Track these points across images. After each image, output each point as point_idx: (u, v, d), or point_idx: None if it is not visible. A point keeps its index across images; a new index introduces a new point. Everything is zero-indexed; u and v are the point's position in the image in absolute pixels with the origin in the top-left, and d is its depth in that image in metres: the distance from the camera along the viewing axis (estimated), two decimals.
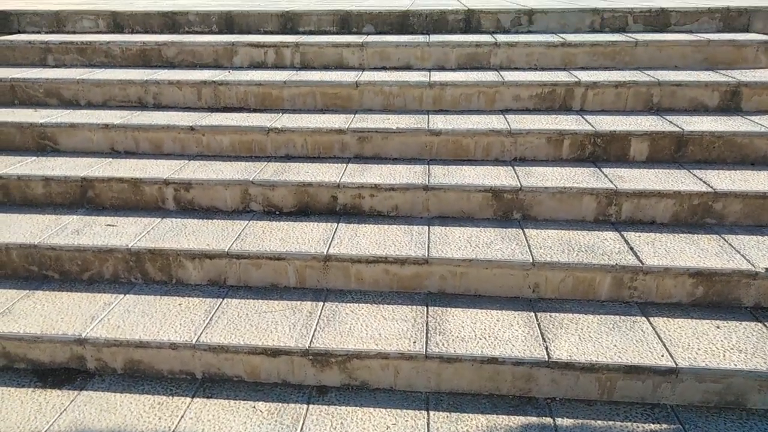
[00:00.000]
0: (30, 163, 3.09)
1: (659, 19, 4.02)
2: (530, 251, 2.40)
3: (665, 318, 2.22)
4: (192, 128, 3.19)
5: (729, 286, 2.27)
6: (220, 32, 4.36)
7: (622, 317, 2.23)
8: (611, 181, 2.72)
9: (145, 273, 2.53)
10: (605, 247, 2.43)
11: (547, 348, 2.03)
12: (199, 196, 2.87)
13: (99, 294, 2.46)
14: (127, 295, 2.44)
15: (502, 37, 3.87)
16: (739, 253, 2.37)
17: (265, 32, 4.34)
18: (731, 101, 3.28)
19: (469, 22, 4.19)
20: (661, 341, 2.06)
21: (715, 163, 2.95)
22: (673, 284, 2.29)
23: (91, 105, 3.62)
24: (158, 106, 3.58)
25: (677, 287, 2.29)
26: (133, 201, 2.91)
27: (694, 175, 2.80)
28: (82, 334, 2.16)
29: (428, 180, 2.79)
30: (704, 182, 2.69)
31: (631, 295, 2.33)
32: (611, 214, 2.68)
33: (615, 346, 2.04)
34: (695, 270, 2.26)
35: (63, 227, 2.70)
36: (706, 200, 2.61)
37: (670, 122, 3.08)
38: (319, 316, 2.26)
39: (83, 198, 2.93)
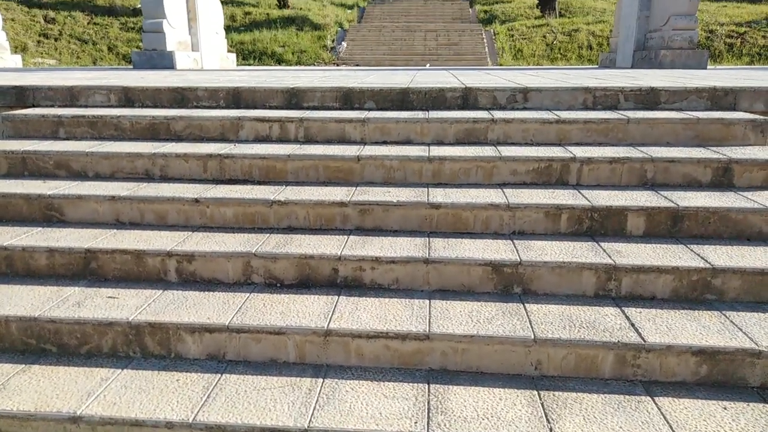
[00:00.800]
0: (35, 234, 3.12)
1: (649, 98, 4.18)
2: (531, 327, 2.40)
3: (670, 398, 2.19)
4: (197, 200, 3.25)
5: (733, 365, 2.25)
6: (227, 107, 4.52)
7: (627, 397, 2.20)
8: (609, 256, 2.75)
9: (144, 347, 2.51)
10: (606, 324, 2.43)
11: (551, 430, 1.99)
12: (202, 268, 2.89)
13: (96, 368, 2.43)
14: (125, 370, 2.41)
15: (498, 114, 4.02)
16: (741, 330, 2.36)
17: (271, 107, 4.50)
18: (723, 177, 3.37)
19: (467, 99, 4.36)
20: (668, 423, 2.02)
21: (711, 239, 2.99)
22: (676, 362, 2.27)
23: (98, 176, 3.70)
24: (164, 178, 3.67)
25: (681, 365, 2.27)
26: (136, 273, 2.92)
27: (692, 250, 2.83)
28: (77, 412, 2.11)
29: (429, 253, 2.82)
30: (702, 258, 2.72)
31: (635, 374, 2.30)
32: (611, 289, 2.70)
33: (621, 428, 2.00)
34: (698, 348, 2.25)
35: (64, 299, 2.70)
36: (705, 276, 2.63)
37: (665, 197, 3.15)
38: (319, 393, 2.23)
39: (86, 269, 2.94)
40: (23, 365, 2.45)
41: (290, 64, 18.50)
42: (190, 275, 2.90)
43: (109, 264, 2.93)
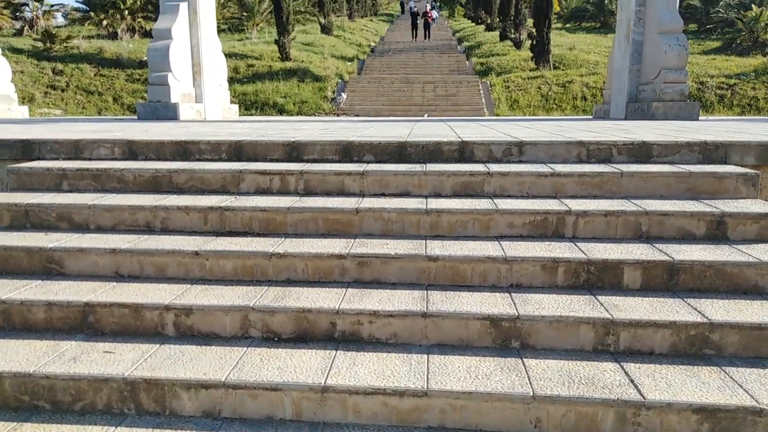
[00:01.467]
0: (34, 288, 3.13)
1: (642, 151, 4.28)
2: (530, 383, 2.38)
3: None
4: (196, 253, 3.28)
5: (735, 423, 2.22)
6: (229, 159, 4.61)
7: None
8: (607, 310, 2.76)
9: (139, 404, 2.48)
10: (606, 380, 2.41)
11: None
12: (199, 322, 2.89)
13: (90, 426, 2.39)
14: (119, 428, 2.38)
15: (494, 167, 4.10)
16: (742, 387, 2.34)
17: (272, 160, 4.58)
18: (717, 230, 3.41)
19: (463, 152, 4.45)
20: None
21: (708, 292, 3.01)
22: (677, 420, 2.25)
23: (100, 229, 3.74)
24: (165, 231, 3.71)
25: (682, 423, 2.25)
26: (133, 326, 2.92)
27: (689, 304, 2.84)
28: None
29: (426, 307, 2.83)
30: (699, 312, 2.73)
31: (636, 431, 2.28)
32: (609, 344, 2.69)
33: None
34: (698, 406, 2.23)
35: (60, 354, 2.68)
36: (703, 331, 2.63)
37: (660, 251, 3.18)
38: None
39: (83, 323, 2.94)
40: (15, 423, 2.42)
41: (291, 115, 18.90)
42: (187, 329, 2.90)
43: (107, 318, 2.93)
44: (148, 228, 3.73)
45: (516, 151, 4.41)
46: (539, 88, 19.91)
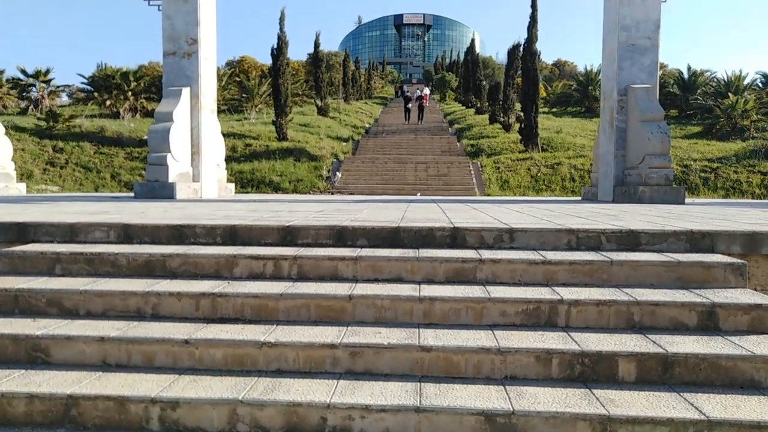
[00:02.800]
0: (17, 378, 3.05)
1: (630, 239, 4.36)
2: None
3: None
4: (186, 341, 3.24)
5: None
6: (224, 243, 4.64)
7: None
8: (603, 406, 2.71)
9: None
10: None
11: None
12: (185, 416, 2.81)
13: None
14: None
15: (486, 253, 4.15)
16: None
17: (266, 244, 4.62)
18: (709, 321, 3.42)
19: (455, 238, 4.52)
20: None
21: (704, 386, 2.97)
22: None
23: (90, 315, 3.70)
24: (156, 317, 3.67)
25: None
26: (117, 420, 2.83)
27: (685, 399, 2.80)
28: None
29: (420, 401, 2.77)
30: (696, 408, 2.69)
31: None
32: None
33: None
34: None
35: None
36: (701, 428, 2.58)
37: (654, 342, 3.17)
38: None
39: (66, 416, 2.85)
40: None
41: (287, 193, 19.19)
42: (173, 423, 2.81)
43: (90, 411, 2.84)
44: (138, 314, 3.70)
45: (507, 237, 4.48)
46: (529, 169, 20.46)
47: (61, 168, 19.66)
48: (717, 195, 17.40)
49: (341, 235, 4.60)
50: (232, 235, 4.66)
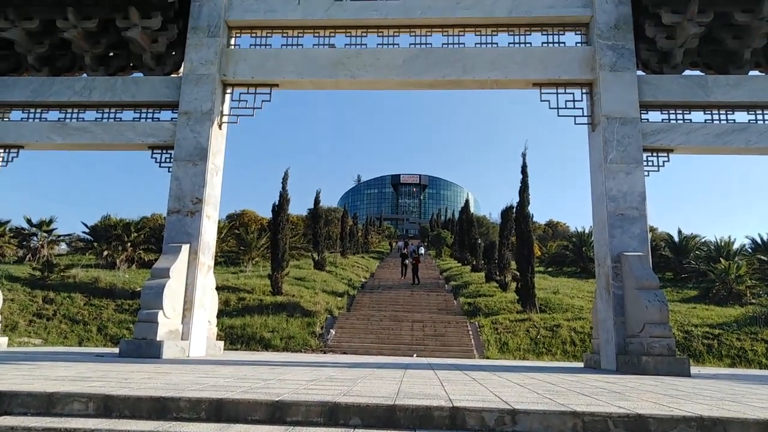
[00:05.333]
0: None
1: (638, 424, 4.10)
2: None
3: None
4: None
5: None
6: (208, 419, 4.34)
7: None
8: None
9: None
10: None
11: None
12: None
13: None
14: None
15: None
16: None
17: (253, 421, 4.32)
18: None
19: (455, 418, 4.25)
20: None
21: None
22: None
23: None
24: None
25: None
26: None
27: None
28: None
29: None
30: None
31: None
32: None
33: None
34: None
35: None
36: None
37: None
38: None
39: None
40: None
41: (278, 350, 18.62)
42: None
43: None
44: None
45: (509, 419, 4.22)
46: (527, 331, 20.14)
47: (48, 320, 19.28)
48: (723, 363, 16.93)
49: (334, 413, 4.33)
50: (218, 409, 4.38)
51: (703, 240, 35.03)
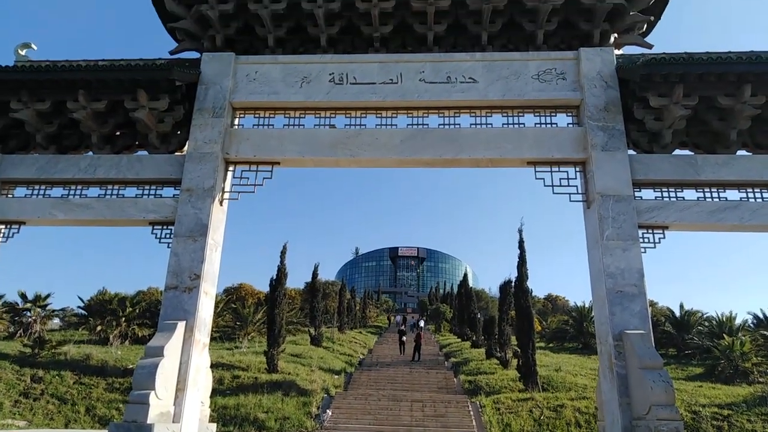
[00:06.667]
0: None
1: None
2: None
3: None
4: None
5: None
6: None
7: None
8: None
9: None
10: None
11: None
12: None
13: None
14: None
15: None
16: None
17: None
18: None
19: None
20: None
21: None
22: None
23: None
24: None
25: None
26: None
27: None
28: None
29: None
30: None
31: None
32: None
33: None
34: None
35: None
36: None
37: None
38: None
39: None
40: None
41: None
42: None
43: None
44: None
45: None
46: (531, 411, 19.46)
47: (35, 400, 18.61)
48: None
49: None
50: None
51: (705, 316, 34.63)
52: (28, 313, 31.08)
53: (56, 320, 36.57)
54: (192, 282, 11.85)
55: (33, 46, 14.02)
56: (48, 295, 31.62)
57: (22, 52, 13.91)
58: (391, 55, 13.36)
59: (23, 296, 31.17)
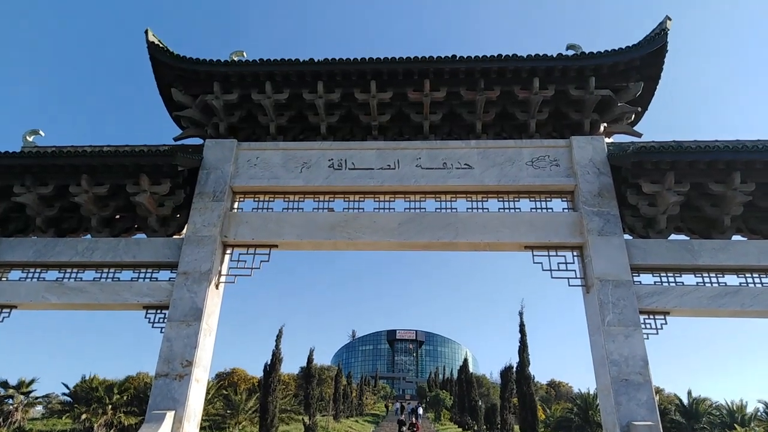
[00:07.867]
0: None
1: None
2: None
3: None
4: None
5: None
6: None
7: None
8: None
9: None
10: None
11: None
12: None
13: None
14: None
15: None
16: None
17: None
18: None
19: None
20: None
21: None
22: None
23: None
24: None
25: None
26: None
27: None
28: None
29: None
30: None
31: None
32: None
33: None
34: None
35: None
36: None
37: None
38: None
39: None
40: None
41: None
42: None
43: None
44: None
45: None
46: None
47: None
48: None
49: None
50: None
51: (715, 404, 33.42)
52: (10, 401, 29.84)
53: (39, 407, 35.05)
54: (183, 369, 11.49)
55: (41, 132, 14.44)
56: (32, 381, 30.53)
57: (30, 138, 14.30)
58: (388, 143, 13.77)
59: (4, 384, 29.99)
